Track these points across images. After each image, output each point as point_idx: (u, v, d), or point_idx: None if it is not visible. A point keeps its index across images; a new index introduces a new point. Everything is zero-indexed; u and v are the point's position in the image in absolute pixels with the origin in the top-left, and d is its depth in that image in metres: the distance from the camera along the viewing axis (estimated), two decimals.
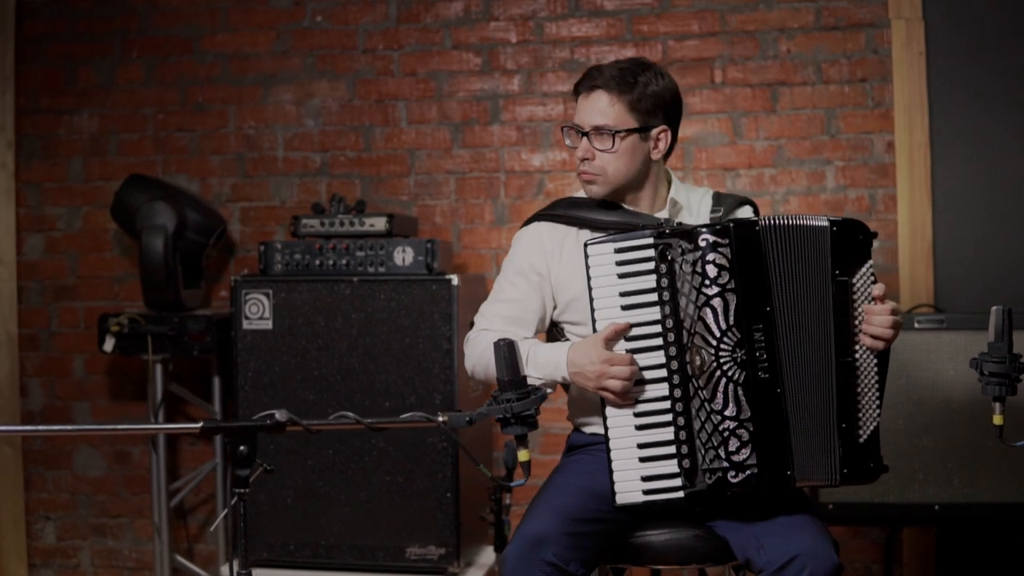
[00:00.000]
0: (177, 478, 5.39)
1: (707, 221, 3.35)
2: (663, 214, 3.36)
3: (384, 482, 4.65)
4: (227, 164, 5.45)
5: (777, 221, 3.08)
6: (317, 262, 4.74)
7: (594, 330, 3.14)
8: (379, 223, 4.75)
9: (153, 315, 4.99)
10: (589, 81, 3.28)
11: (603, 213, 3.37)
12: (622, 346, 3.12)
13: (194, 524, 5.51)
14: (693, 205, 3.43)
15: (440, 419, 2.68)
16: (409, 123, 5.31)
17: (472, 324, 3.50)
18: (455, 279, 4.59)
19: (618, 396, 3.08)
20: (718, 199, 3.45)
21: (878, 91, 4.95)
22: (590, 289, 3.14)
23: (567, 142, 3.37)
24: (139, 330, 4.94)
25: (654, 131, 3.29)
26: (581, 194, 3.46)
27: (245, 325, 4.71)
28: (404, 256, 4.67)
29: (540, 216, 3.49)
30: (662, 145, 3.32)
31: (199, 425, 2.52)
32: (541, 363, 3.23)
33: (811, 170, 5.02)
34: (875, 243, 4.85)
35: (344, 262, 4.72)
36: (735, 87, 5.07)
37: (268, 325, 4.70)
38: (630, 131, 3.25)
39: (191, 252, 5.05)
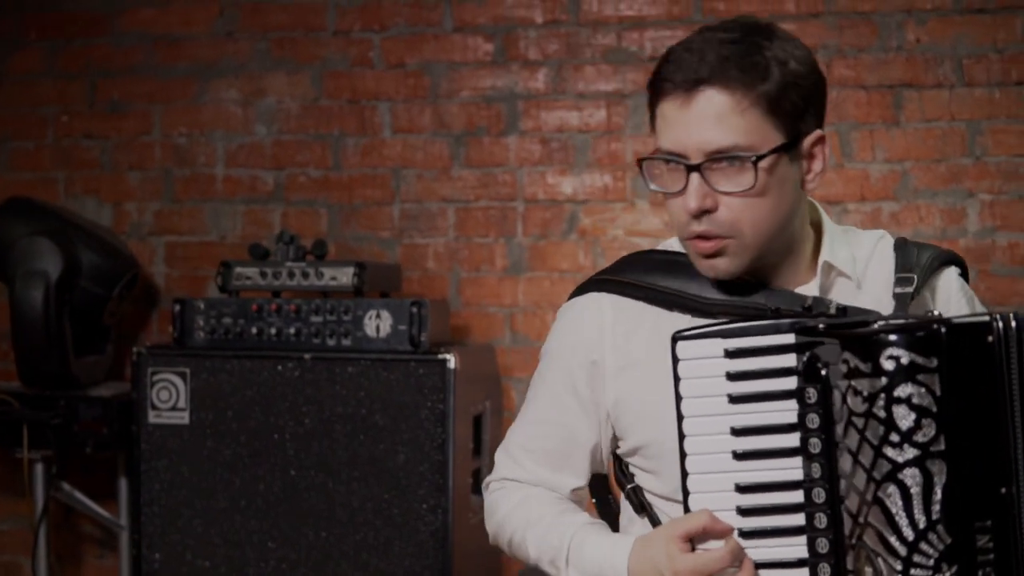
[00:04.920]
0: None
1: (891, 304, 1.98)
2: (810, 289, 2.00)
3: None
4: (149, 184, 4.39)
5: None
6: (255, 330, 3.60)
7: (684, 493, 1.85)
8: (343, 275, 3.60)
9: (32, 395, 3.80)
10: (686, 72, 1.87)
11: (710, 286, 2.01)
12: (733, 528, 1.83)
13: None
14: (860, 266, 2.05)
15: None
16: (394, 132, 4.28)
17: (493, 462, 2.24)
18: (451, 359, 3.45)
19: None
20: (904, 255, 2.06)
21: None
22: (680, 418, 1.84)
23: (652, 186, 1.95)
24: (12, 415, 3.76)
25: (807, 142, 1.94)
26: (668, 244, 2.11)
27: (152, 417, 3.59)
28: (379, 323, 3.55)
29: (600, 282, 2.11)
30: (818, 164, 1.97)
31: None
32: (588, 568, 1.96)
33: (947, 205, 4.05)
34: None
35: (293, 331, 3.58)
36: (844, 89, 4.07)
37: (184, 418, 3.57)
38: (777, 151, 1.89)
39: (87, 307, 3.89)
